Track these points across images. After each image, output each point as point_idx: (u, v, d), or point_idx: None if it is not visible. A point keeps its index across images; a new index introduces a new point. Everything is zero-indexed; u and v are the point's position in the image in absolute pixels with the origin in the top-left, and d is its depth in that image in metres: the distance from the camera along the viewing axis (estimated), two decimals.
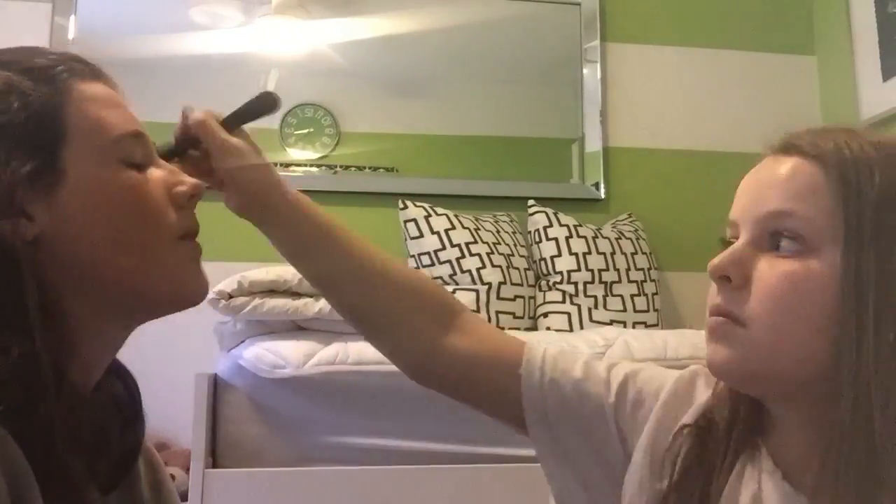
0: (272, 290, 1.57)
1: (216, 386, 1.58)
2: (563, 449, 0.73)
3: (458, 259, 2.22)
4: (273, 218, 0.74)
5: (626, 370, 0.75)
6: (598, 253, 2.33)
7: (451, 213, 2.30)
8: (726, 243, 0.64)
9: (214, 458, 1.54)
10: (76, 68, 0.62)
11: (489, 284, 2.20)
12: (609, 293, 2.29)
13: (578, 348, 1.66)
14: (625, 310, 2.29)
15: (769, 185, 0.62)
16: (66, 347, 0.55)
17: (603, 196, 2.65)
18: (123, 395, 0.65)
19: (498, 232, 2.35)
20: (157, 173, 0.63)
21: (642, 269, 2.37)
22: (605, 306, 2.28)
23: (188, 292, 0.64)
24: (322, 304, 1.57)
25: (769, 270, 0.60)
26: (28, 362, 0.51)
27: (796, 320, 0.58)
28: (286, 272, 1.57)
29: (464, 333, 0.76)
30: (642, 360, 1.65)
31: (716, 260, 0.62)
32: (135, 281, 0.60)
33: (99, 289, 0.58)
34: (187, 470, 1.53)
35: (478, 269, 2.21)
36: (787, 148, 0.63)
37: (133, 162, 0.62)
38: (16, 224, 0.54)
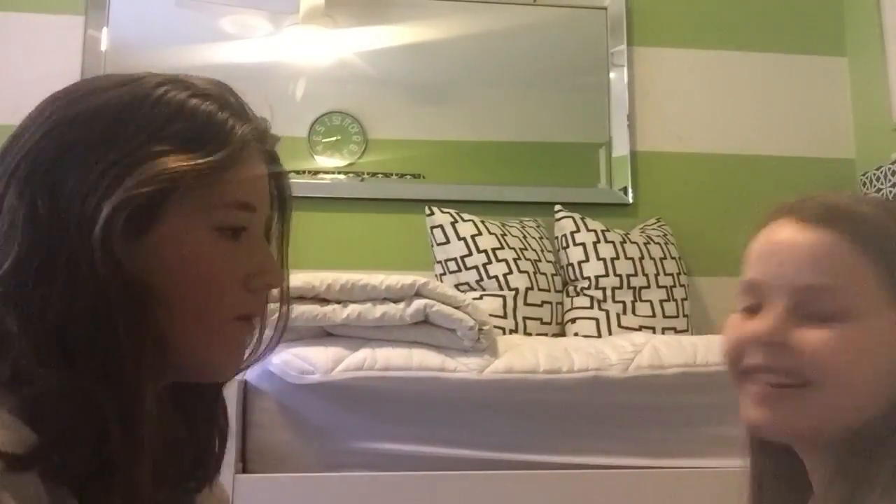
0: (300, 296, 1.58)
1: (245, 391, 1.59)
2: None
3: (484, 265, 2.22)
4: None
5: None
6: (627, 258, 2.31)
7: (477, 219, 2.30)
8: (749, 308, 0.69)
9: (244, 464, 1.55)
10: (255, 149, 0.63)
11: (516, 290, 2.20)
12: (637, 299, 2.27)
13: (606, 354, 1.65)
14: (654, 315, 2.27)
15: (804, 257, 0.66)
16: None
17: (631, 201, 2.63)
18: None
19: (525, 237, 2.35)
20: (244, 251, 0.61)
21: (671, 275, 2.35)
22: (633, 312, 2.26)
23: (213, 373, 0.63)
24: (349, 311, 1.57)
25: (821, 336, 0.64)
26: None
27: (866, 379, 0.65)
28: (314, 278, 1.58)
29: None
30: (670, 366, 1.64)
31: (764, 327, 0.66)
32: (177, 343, 0.57)
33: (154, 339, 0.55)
34: None
35: (504, 275, 2.21)
36: (817, 220, 0.67)
37: (231, 228, 0.59)
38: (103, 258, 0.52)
